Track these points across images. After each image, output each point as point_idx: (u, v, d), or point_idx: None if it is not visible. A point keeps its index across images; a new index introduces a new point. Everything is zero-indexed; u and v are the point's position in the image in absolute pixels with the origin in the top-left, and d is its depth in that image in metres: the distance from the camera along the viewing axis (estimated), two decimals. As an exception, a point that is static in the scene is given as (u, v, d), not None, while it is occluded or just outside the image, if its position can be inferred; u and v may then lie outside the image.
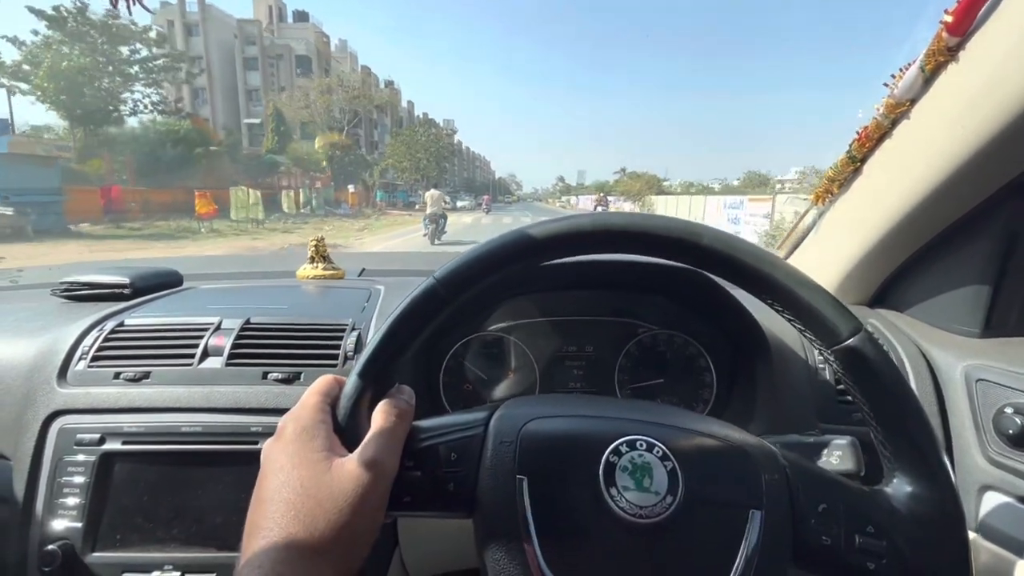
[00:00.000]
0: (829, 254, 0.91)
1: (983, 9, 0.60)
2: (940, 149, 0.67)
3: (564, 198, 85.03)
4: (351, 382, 0.41)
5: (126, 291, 0.90)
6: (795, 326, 0.41)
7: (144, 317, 0.81)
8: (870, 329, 0.68)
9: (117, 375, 0.71)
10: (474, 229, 20.17)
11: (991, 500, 0.65)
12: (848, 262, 0.87)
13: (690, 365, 0.83)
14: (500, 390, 0.82)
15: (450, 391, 0.82)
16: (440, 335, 0.81)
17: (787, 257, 1.04)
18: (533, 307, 0.84)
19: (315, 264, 1.14)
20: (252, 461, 0.61)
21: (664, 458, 0.38)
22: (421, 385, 0.79)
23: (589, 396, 0.55)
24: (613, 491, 0.37)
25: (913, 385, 0.72)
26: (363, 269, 1.28)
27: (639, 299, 0.84)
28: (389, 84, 60.48)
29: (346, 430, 0.40)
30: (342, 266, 1.19)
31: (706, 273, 0.46)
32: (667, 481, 0.38)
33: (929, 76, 0.68)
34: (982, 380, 0.68)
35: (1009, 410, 0.64)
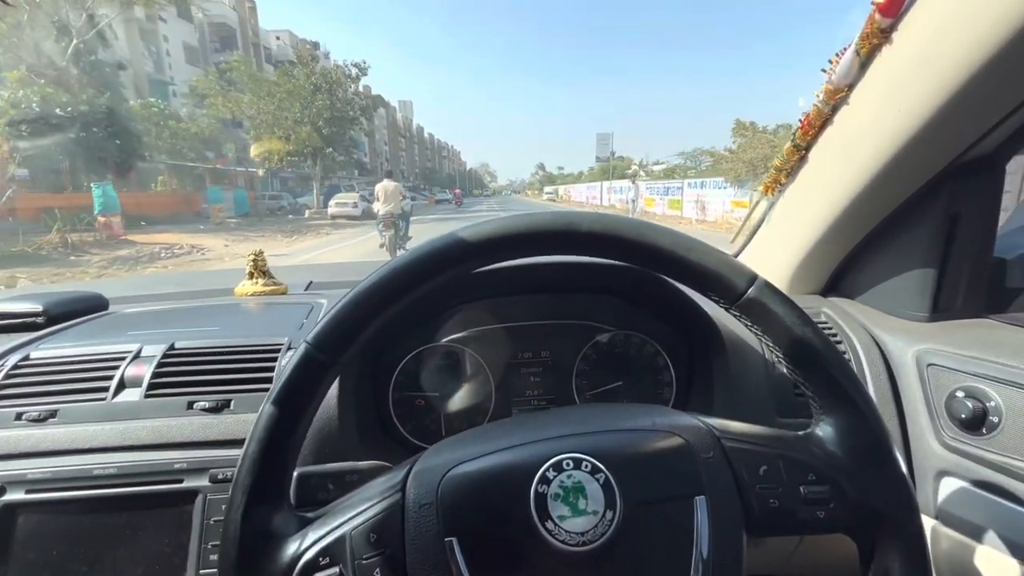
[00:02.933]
0: (781, 245, 0.97)
1: None
2: (879, 133, 0.72)
3: (549, 189, 73.89)
4: (232, 513, 0.40)
5: (39, 320, 0.87)
6: (697, 290, 0.45)
7: (53, 348, 0.77)
8: (823, 317, 0.82)
9: (19, 416, 0.67)
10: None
11: (948, 486, 0.69)
12: (799, 252, 0.93)
13: (648, 364, 0.86)
14: (454, 403, 0.83)
15: (401, 408, 0.82)
16: (386, 349, 0.80)
17: (740, 251, 1.11)
18: (484, 314, 0.85)
19: (254, 280, 1.14)
20: (177, 502, 0.63)
21: (594, 471, 0.39)
22: (368, 404, 0.79)
23: (509, 420, 0.49)
24: (549, 524, 0.37)
25: (867, 372, 0.78)
26: (310, 283, 1.28)
27: (594, 300, 0.87)
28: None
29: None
30: (287, 280, 1.20)
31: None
32: (602, 496, 0.38)
33: (864, 60, 0.71)
34: (933, 365, 0.72)
35: (960, 394, 0.68)
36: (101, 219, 13.68)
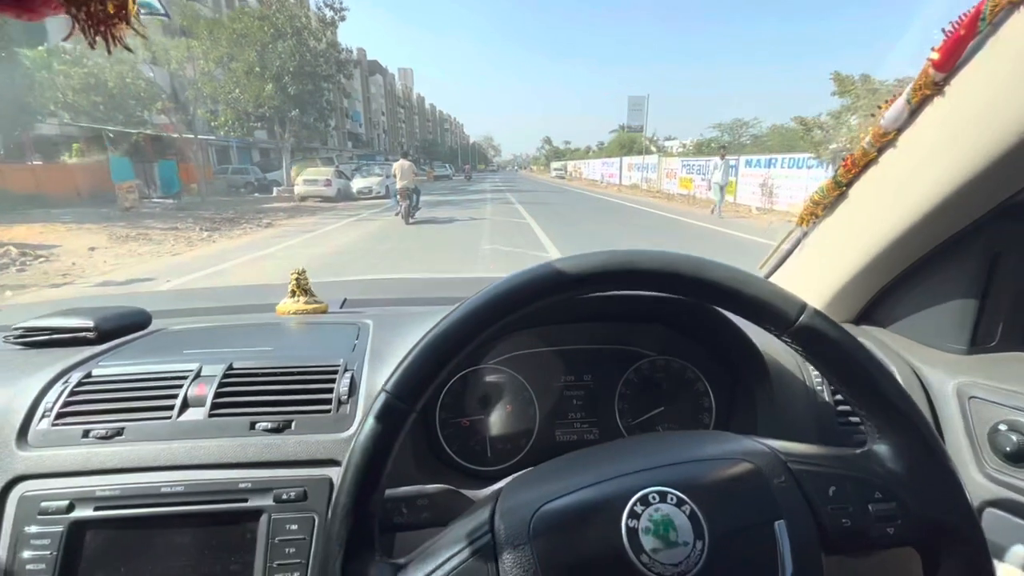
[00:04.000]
0: (813, 274, 1.00)
1: (969, 47, 0.67)
2: (925, 177, 0.74)
3: (557, 165, 68.32)
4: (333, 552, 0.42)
5: (91, 335, 0.88)
6: (752, 320, 0.47)
7: (114, 366, 0.78)
8: None
9: (86, 433, 0.68)
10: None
11: (992, 517, 0.71)
12: (833, 283, 0.95)
13: (689, 390, 0.89)
14: (499, 425, 0.87)
15: (447, 429, 0.85)
16: None
17: (769, 275, 1.14)
18: (528, 338, 0.88)
19: (296, 298, 1.14)
20: (241, 520, 0.64)
21: (680, 503, 0.41)
22: (417, 425, 0.82)
23: (584, 453, 0.52)
24: (644, 557, 0.39)
25: None
26: (345, 299, 1.29)
27: (636, 328, 0.91)
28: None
29: None
30: (322, 295, 1.21)
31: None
32: (690, 526, 0.40)
33: (915, 107, 0.75)
34: (975, 398, 0.74)
35: (1004, 427, 0.70)
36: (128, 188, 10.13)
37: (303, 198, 19.22)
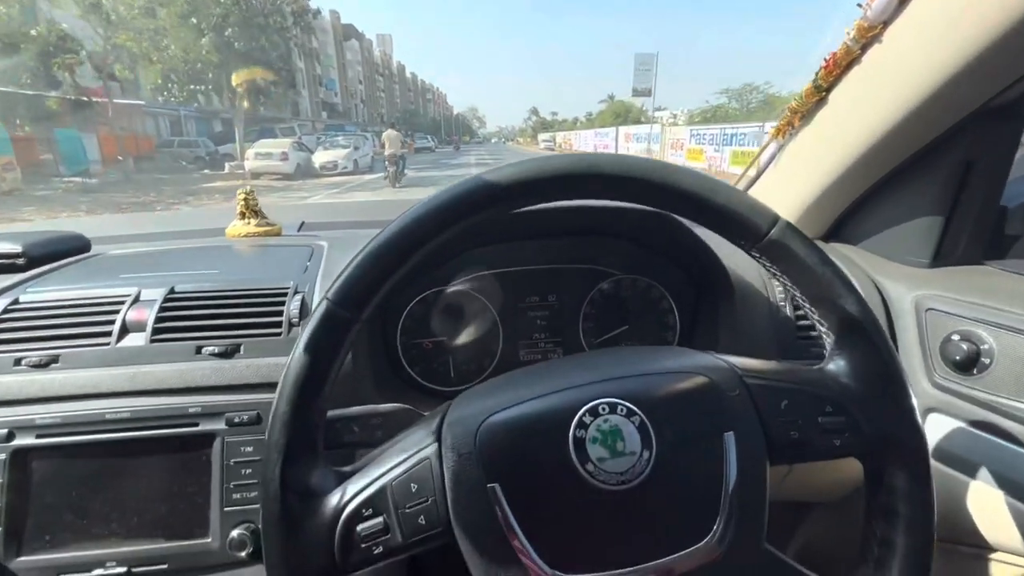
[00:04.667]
0: (788, 188, 0.97)
1: None
2: (912, 74, 0.71)
3: (546, 136, 64.98)
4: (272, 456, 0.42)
5: (19, 261, 0.86)
6: (719, 232, 0.46)
7: (44, 291, 0.76)
8: None
9: (18, 361, 0.67)
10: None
11: (935, 422, 0.74)
12: (806, 197, 0.93)
13: (654, 308, 0.90)
14: (462, 346, 0.87)
15: (410, 352, 0.86)
16: (396, 291, 0.80)
17: (746, 191, 1.17)
18: (491, 258, 0.87)
19: (246, 220, 1.08)
20: (194, 444, 0.64)
21: (630, 414, 0.41)
22: (378, 347, 0.82)
23: (537, 367, 0.50)
24: (589, 466, 0.39)
25: None
26: (303, 223, 1.25)
27: (599, 245, 0.89)
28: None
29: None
30: (279, 221, 1.16)
31: (669, 213, 0.49)
32: (639, 437, 0.40)
33: None
34: (931, 309, 0.76)
35: (956, 337, 0.71)
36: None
37: (256, 175, 16.36)
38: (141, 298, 0.72)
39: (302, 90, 52.41)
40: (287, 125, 25.77)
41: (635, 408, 0.41)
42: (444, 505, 0.40)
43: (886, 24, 0.73)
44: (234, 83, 16.36)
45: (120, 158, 16.93)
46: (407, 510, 0.40)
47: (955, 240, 0.82)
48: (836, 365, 0.45)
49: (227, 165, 18.95)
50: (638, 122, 46.05)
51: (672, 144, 22.61)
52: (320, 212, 1.47)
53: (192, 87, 17.77)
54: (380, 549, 0.40)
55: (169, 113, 25.00)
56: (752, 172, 1.08)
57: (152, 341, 0.68)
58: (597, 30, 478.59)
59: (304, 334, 0.42)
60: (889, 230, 0.89)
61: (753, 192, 1.02)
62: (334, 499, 0.41)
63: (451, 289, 0.86)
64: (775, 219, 0.44)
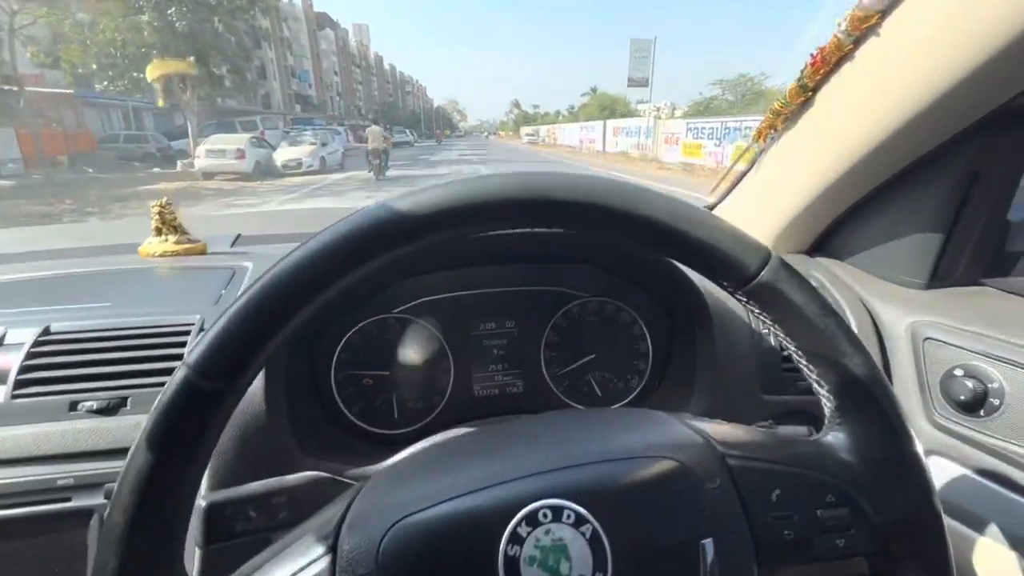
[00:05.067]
0: (768, 198, 0.91)
1: None
2: (914, 73, 0.62)
3: (528, 130, 63.05)
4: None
5: None
6: (700, 272, 0.39)
7: None
8: (812, 282, 0.72)
9: None
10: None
11: (935, 466, 0.67)
12: (790, 208, 0.86)
13: (624, 334, 0.82)
14: (408, 382, 0.77)
15: (346, 389, 0.75)
16: (328, 321, 0.72)
17: (720, 201, 1.05)
18: (442, 281, 0.78)
19: (163, 237, 0.95)
20: (66, 524, 0.56)
21: (579, 523, 0.32)
22: (304, 387, 0.72)
23: (468, 440, 0.41)
24: None
25: None
26: (238, 236, 1.09)
27: (563, 269, 0.82)
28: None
29: None
30: (214, 230, 1.06)
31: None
32: (590, 554, 0.32)
33: None
34: (930, 339, 0.69)
35: (959, 372, 0.64)
36: None
37: (208, 175, 14.49)
38: (5, 341, 0.62)
39: (273, 81, 49.83)
40: (249, 119, 23.08)
41: (586, 514, 0.32)
42: None
43: (884, 14, 0.63)
44: (149, 78, 13.93)
45: (60, 157, 14.66)
46: None
47: (955, 259, 0.75)
48: (837, 438, 0.38)
49: (179, 163, 16.89)
50: (625, 115, 44.74)
51: (667, 138, 21.27)
52: (262, 222, 1.30)
53: (135, 75, 15.58)
54: None
55: (120, 105, 22.63)
56: (730, 178, 1.01)
57: (14, 397, 0.58)
58: (578, 21, 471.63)
59: (153, 413, 0.31)
60: (882, 246, 0.81)
61: (730, 200, 1.00)
62: None
63: (394, 317, 0.77)
64: (767, 257, 0.36)
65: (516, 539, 0.31)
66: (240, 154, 14.32)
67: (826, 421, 0.39)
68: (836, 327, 0.37)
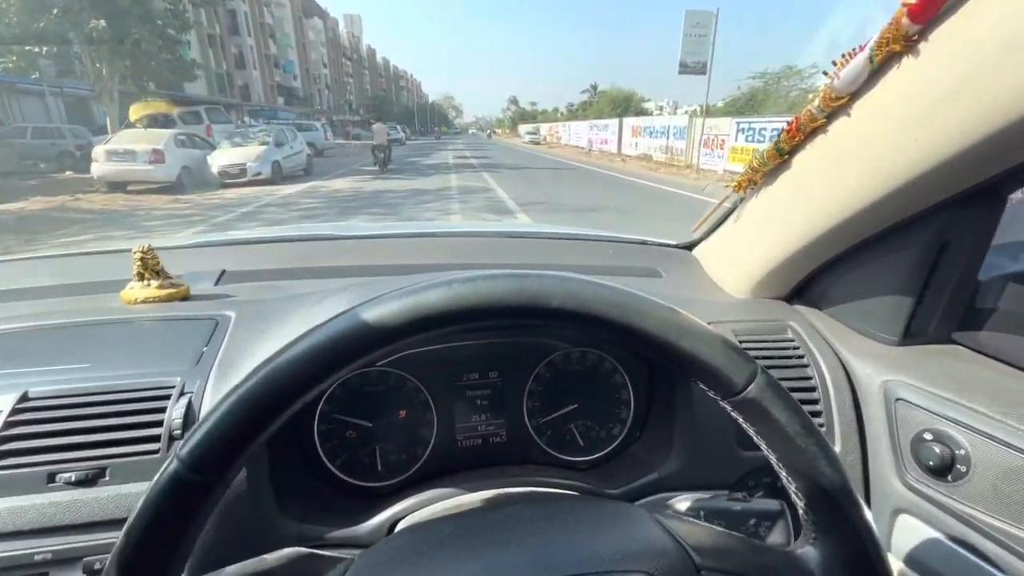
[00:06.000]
0: (747, 246, 0.95)
1: None
2: (882, 156, 0.65)
3: (529, 128, 57.97)
4: None
5: None
6: (689, 378, 0.40)
7: None
8: (790, 334, 0.82)
9: None
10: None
11: (905, 523, 0.70)
12: (768, 258, 0.89)
13: (605, 383, 0.84)
14: (391, 434, 0.78)
15: (329, 441, 0.76)
16: None
17: (702, 239, 1.11)
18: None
19: (145, 282, 0.91)
20: None
21: None
22: (290, 441, 0.73)
23: (453, 528, 0.42)
24: None
25: (832, 398, 0.76)
26: (223, 272, 1.02)
27: (542, 325, 0.83)
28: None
29: None
30: (199, 264, 1.03)
31: None
32: None
33: (878, 68, 0.63)
34: (901, 399, 0.71)
35: (928, 436, 0.67)
36: None
37: (115, 185, 10.64)
38: None
39: (253, 71, 45.58)
40: (192, 109, 16.93)
41: None
42: None
43: (854, 96, 0.67)
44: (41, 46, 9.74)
45: None
46: None
47: (927, 317, 0.77)
48: (809, 553, 0.39)
49: (94, 164, 12.92)
50: (640, 113, 40.67)
51: (707, 141, 17.49)
52: (248, 258, 1.13)
53: (30, 49, 11.64)
54: None
55: (33, 89, 18.26)
56: (712, 220, 1.06)
57: None
58: (578, 15, 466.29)
59: (140, 506, 0.33)
60: (857, 301, 0.84)
61: (712, 241, 1.06)
62: None
63: (377, 370, 0.77)
64: (753, 373, 0.38)
65: None
66: (156, 157, 10.37)
67: (802, 532, 0.39)
68: (816, 447, 0.37)
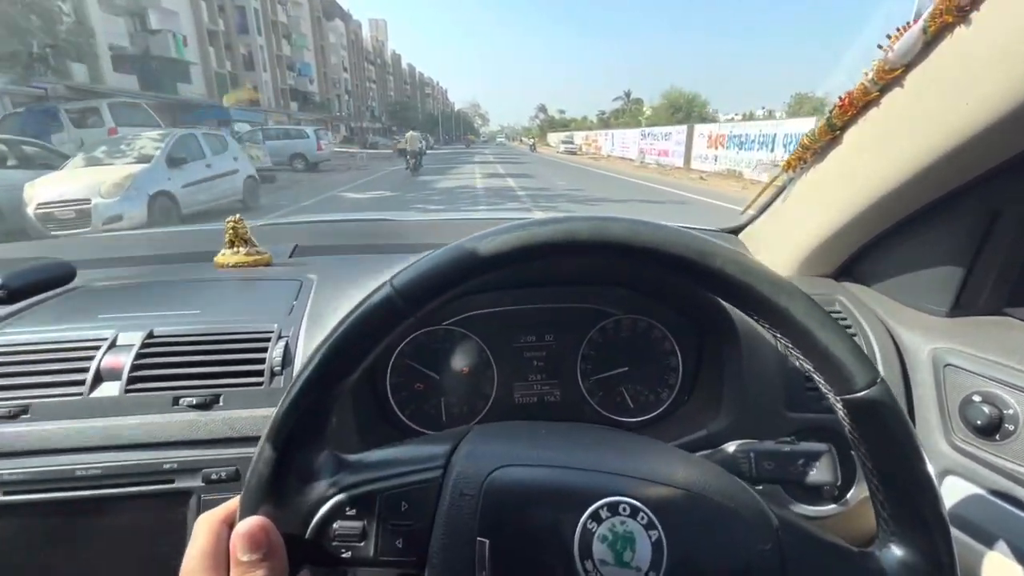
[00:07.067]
0: (797, 223, 0.95)
1: None
2: (934, 124, 0.67)
3: (563, 136, 52.18)
4: (263, 455, 0.38)
5: (0, 294, 0.78)
6: (803, 367, 0.41)
7: (19, 333, 0.72)
8: (838, 306, 0.83)
9: None
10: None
11: (952, 485, 0.70)
12: (817, 234, 0.90)
13: (655, 349, 0.87)
14: (455, 388, 0.84)
15: (399, 393, 0.83)
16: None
17: (750, 222, 1.10)
18: (486, 297, 0.84)
19: (235, 249, 1.03)
20: (169, 503, 0.62)
21: (649, 526, 0.37)
22: (365, 389, 0.80)
23: (565, 431, 0.46)
24: (588, 564, 0.36)
25: (880, 367, 0.75)
26: (295, 247, 1.17)
27: (599, 289, 0.87)
28: None
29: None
30: (271, 241, 1.12)
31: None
32: (650, 554, 0.36)
33: (931, 39, 0.64)
34: (951, 365, 0.72)
35: (977, 398, 0.67)
36: None
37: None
38: (118, 343, 0.69)
39: (263, 72, 41.43)
40: (89, 104, 11.23)
41: (657, 522, 0.37)
42: (427, 539, 0.37)
43: (908, 67, 0.68)
44: None
45: None
46: (389, 526, 0.37)
47: (976, 291, 0.77)
48: (887, 553, 0.39)
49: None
50: (705, 119, 34.73)
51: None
52: (310, 234, 1.31)
53: None
54: (348, 554, 0.37)
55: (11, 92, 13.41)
56: (760, 202, 1.06)
57: (127, 391, 0.65)
58: (610, 24, 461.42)
59: (356, 313, 0.38)
60: (906, 274, 0.84)
61: (760, 223, 1.05)
62: (323, 485, 0.38)
63: (443, 329, 0.83)
64: (875, 378, 0.37)
65: (596, 517, 0.36)
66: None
67: (880, 535, 0.40)
68: (918, 462, 0.37)
